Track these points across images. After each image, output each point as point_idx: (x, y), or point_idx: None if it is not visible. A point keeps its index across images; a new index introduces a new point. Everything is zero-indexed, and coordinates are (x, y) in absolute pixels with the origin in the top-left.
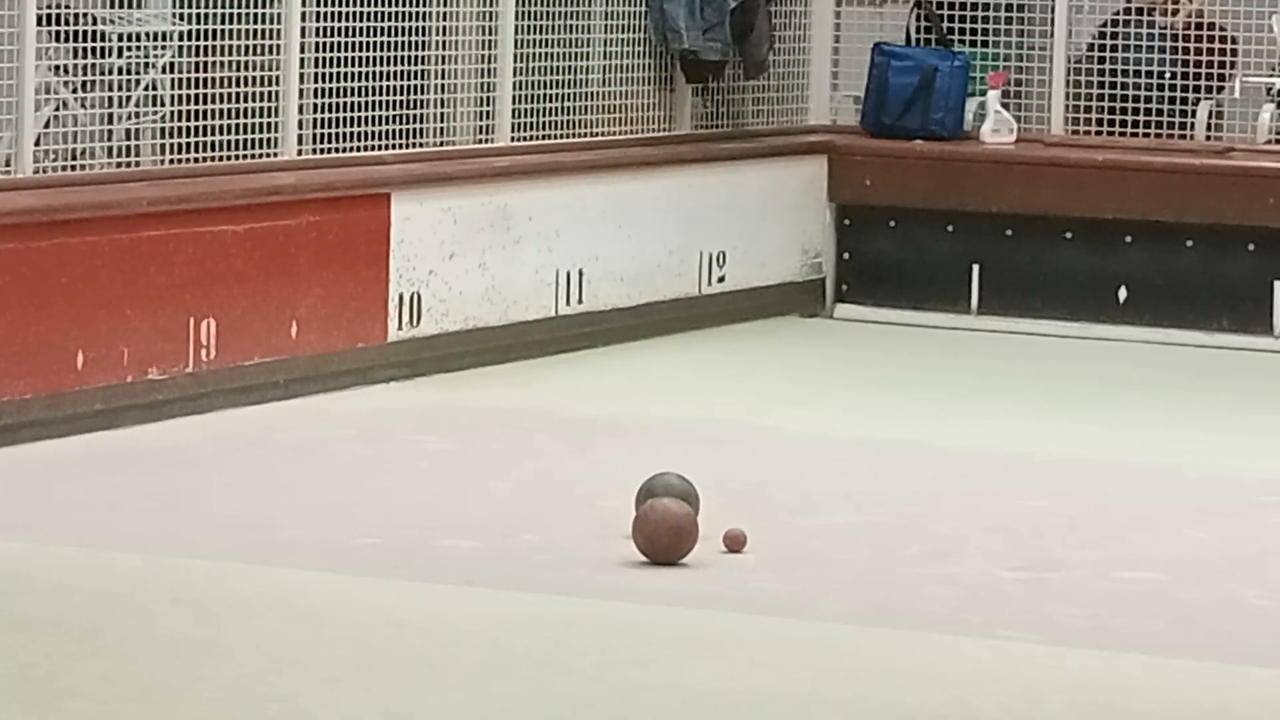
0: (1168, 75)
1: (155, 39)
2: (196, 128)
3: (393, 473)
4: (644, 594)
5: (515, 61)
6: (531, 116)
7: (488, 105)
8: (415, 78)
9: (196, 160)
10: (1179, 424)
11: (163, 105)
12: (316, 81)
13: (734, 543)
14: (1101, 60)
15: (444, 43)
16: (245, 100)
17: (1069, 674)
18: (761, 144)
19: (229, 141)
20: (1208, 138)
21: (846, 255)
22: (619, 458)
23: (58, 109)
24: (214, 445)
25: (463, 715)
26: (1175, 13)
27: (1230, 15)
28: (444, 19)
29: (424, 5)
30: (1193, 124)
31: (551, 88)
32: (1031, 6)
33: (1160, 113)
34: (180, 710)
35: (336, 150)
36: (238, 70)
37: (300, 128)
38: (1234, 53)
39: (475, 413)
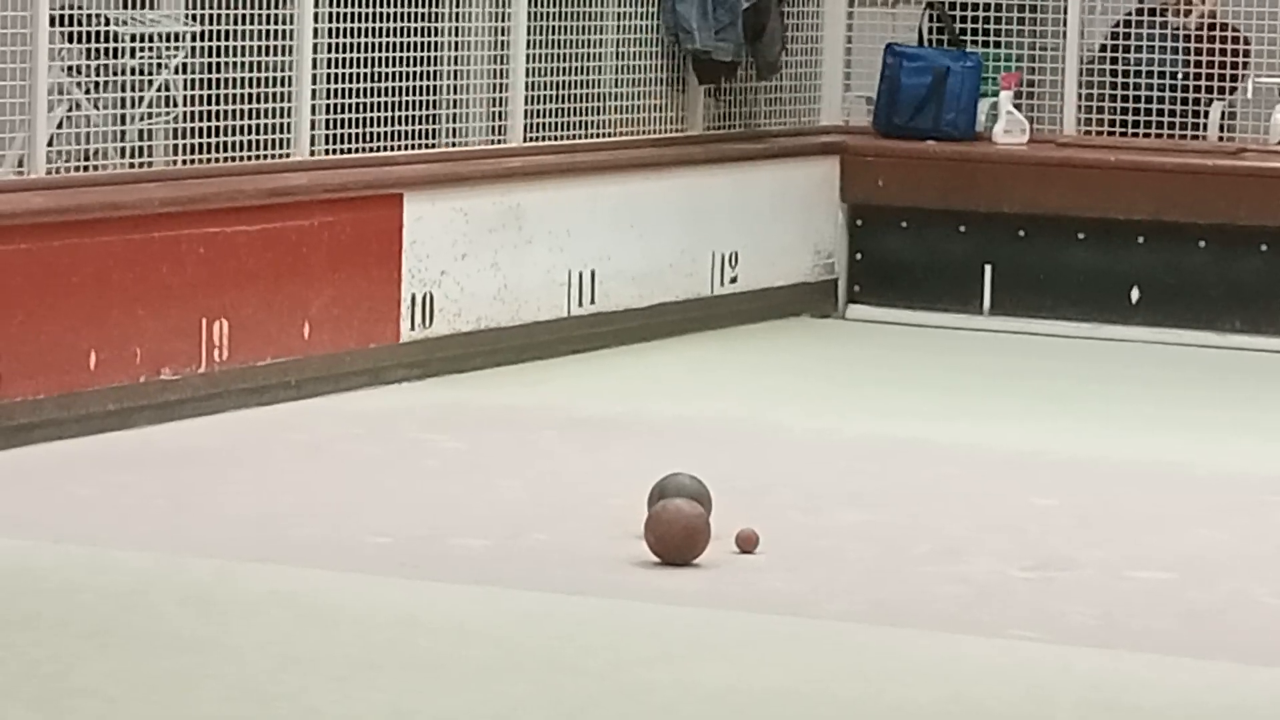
0: (1180, 76)
1: (168, 39)
2: (209, 128)
3: (403, 472)
4: (653, 593)
5: (528, 62)
6: (544, 117)
7: (500, 106)
8: (428, 78)
9: (209, 161)
10: (1190, 424)
11: (175, 106)
12: (329, 82)
13: (746, 543)
14: (1114, 61)
15: (456, 43)
16: (258, 101)
17: (1078, 673)
18: (773, 144)
19: (241, 142)
20: (1220, 138)
21: (858, 255)
22: (630, 457)
23: (71, 110)
24: (226, 445)
25: (471, 714)
26: (1188, 13)
27: (1242, 16)
28: (456, 19)
29: (436, 6)
30: (1205, 125)
31: (564, 88)
32: (1044, 7)
33: (1172, 113)
34: (188, 708)
35: (349, 151)
36: (250, 71)
37: (313, 128)
38: (1246, 53)
39: (486, 412)
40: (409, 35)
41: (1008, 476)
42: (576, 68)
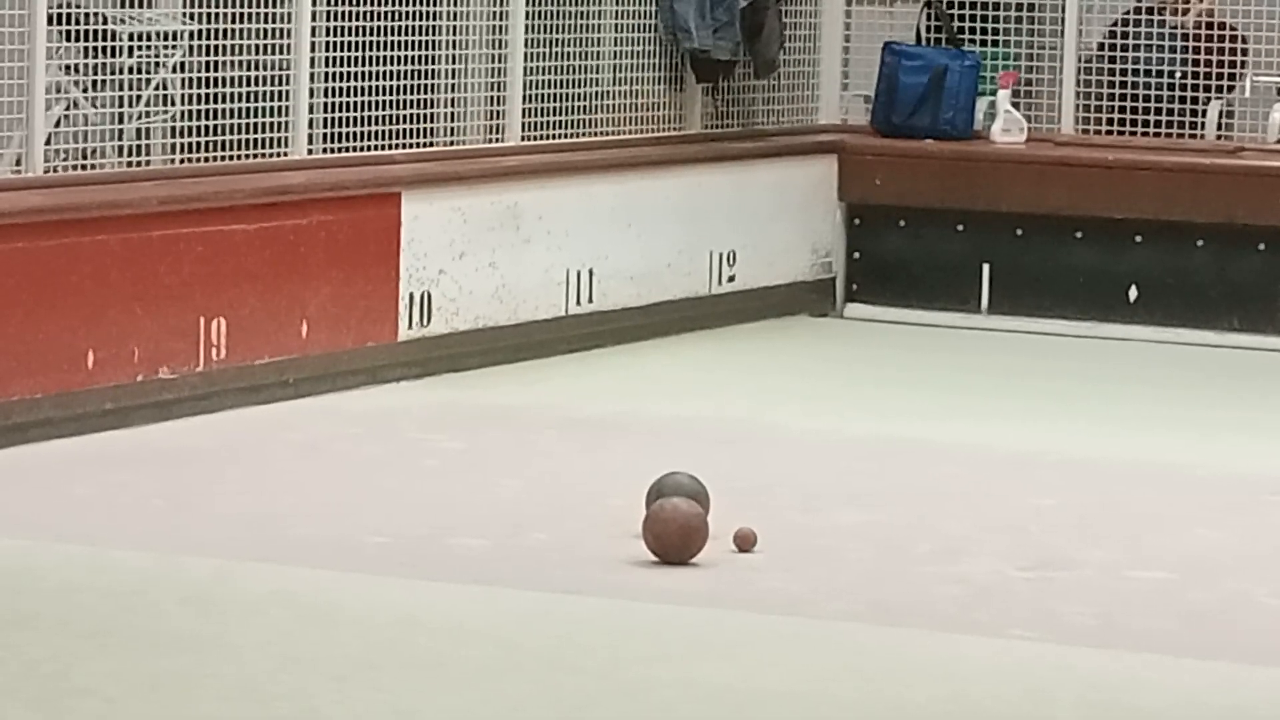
0: (1178, 75)
1: (165, 38)
2: (206, 127)
3: (402, 471)
4: (652, 593)
5: (525, 61)
6: (541, 116)
7: (498, 104)
8: (425, 77)
9: (206, 159)
10: (1189, 423)
11: (173, 104)
12: (326, 81)
13: (744, 542)
14: (1112, 60)
15: (454, 42)
16: (255, 100)
17: (1078, 673)
18: (771, 143)
19: (239, 141)
20: (1218, 137)
21: (856, 255)
22: (628, 457)
23: (68, 108)
24: (223, 444)
25: (471, 713)
26: (1186, 12)
27: (1241, 15)
28: (454, 18)
29: (434, 4)
30: (1203, 123)
31: (561, 87)
32: (1042, 6)
33: (1171, 112)
34: (188, 708)
35: (346, 149)
36: (248, 70)
37: (310, 127)
38: (1244, 52)
39: (484, 412)
40: (406, 34)
41: (1007, 476)
42: (574, 66)
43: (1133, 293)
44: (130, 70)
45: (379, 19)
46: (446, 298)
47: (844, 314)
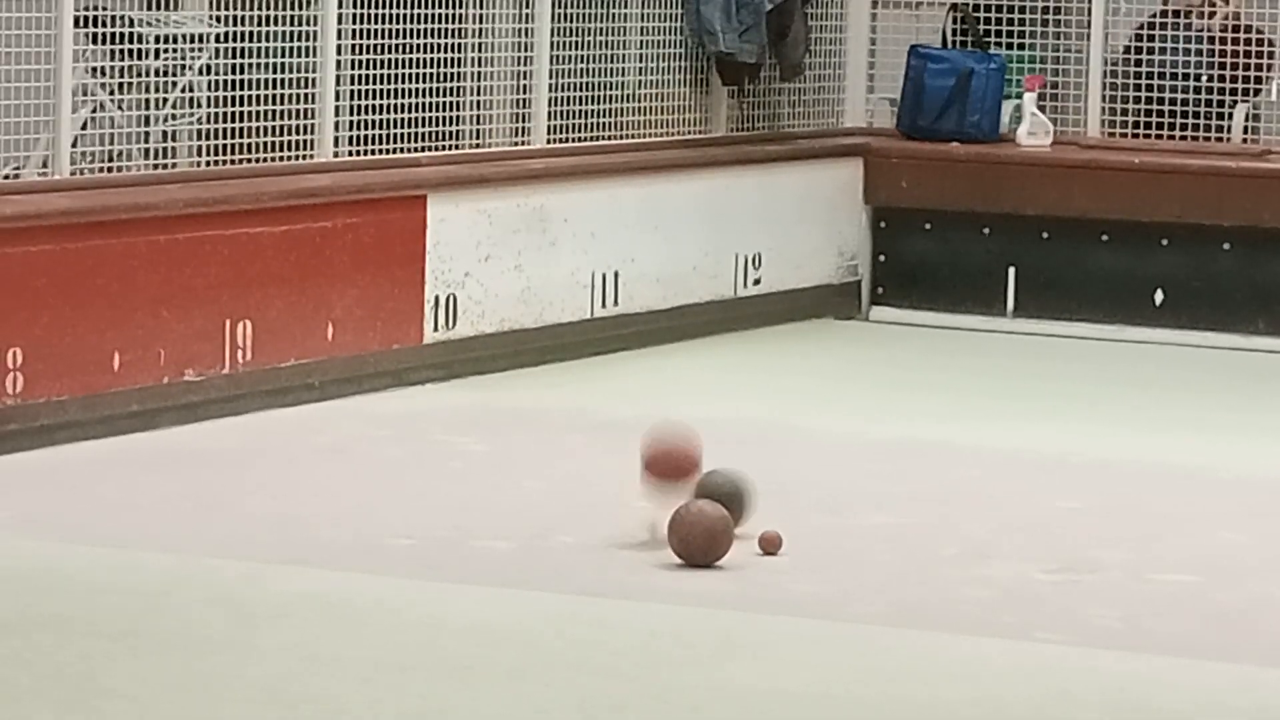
0: (1204, 78)
1: (192, 41)
2: (232, 129)
3: (427, 474)
4: (678, 595)
5: (551, 63)
6: (567, 118)
7: (523, 107)
8: (452, 79)
9: (233, 162)
10: (1214, 426)
11: (199, 107)
12: (353, 83)
13: (769, 544)
14: (1138, 63)
15: (480, 44)
16: (282, 102)
17: (1103, 675)
18: (797, 146)
19: (265, 143)
20: (1244, 140)
21: (882, 257)
22: None
23: (95, 111)
24: (249, 446)
25: (497, 715)
26: (1211, 15)
27: (1266, 18)
28: (480, 21)
29: (460, 7)
30: (1229, 126)
31: (587, 90)
32: (1068, 9)
33: (1196, 115)
34: (215, 710)
35: (372, 152)
36: (274, 72)
37: (336, 129)
38: (1270, 55)
39: (510, 414)
40: (433, 36)
41: (1032, 479)
42: (600, 69)
43: (1159, 296)
44: (156, 73)
45: (405, 21)
46: (472, 300)
47: (869, 317)
